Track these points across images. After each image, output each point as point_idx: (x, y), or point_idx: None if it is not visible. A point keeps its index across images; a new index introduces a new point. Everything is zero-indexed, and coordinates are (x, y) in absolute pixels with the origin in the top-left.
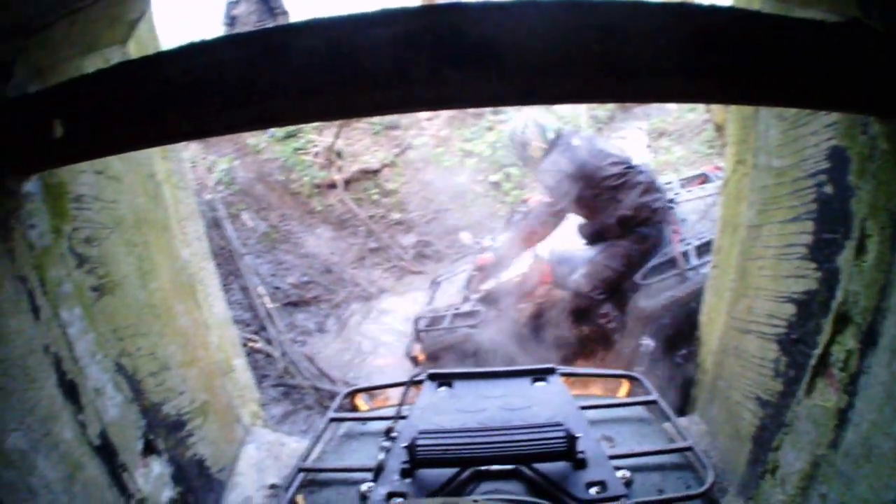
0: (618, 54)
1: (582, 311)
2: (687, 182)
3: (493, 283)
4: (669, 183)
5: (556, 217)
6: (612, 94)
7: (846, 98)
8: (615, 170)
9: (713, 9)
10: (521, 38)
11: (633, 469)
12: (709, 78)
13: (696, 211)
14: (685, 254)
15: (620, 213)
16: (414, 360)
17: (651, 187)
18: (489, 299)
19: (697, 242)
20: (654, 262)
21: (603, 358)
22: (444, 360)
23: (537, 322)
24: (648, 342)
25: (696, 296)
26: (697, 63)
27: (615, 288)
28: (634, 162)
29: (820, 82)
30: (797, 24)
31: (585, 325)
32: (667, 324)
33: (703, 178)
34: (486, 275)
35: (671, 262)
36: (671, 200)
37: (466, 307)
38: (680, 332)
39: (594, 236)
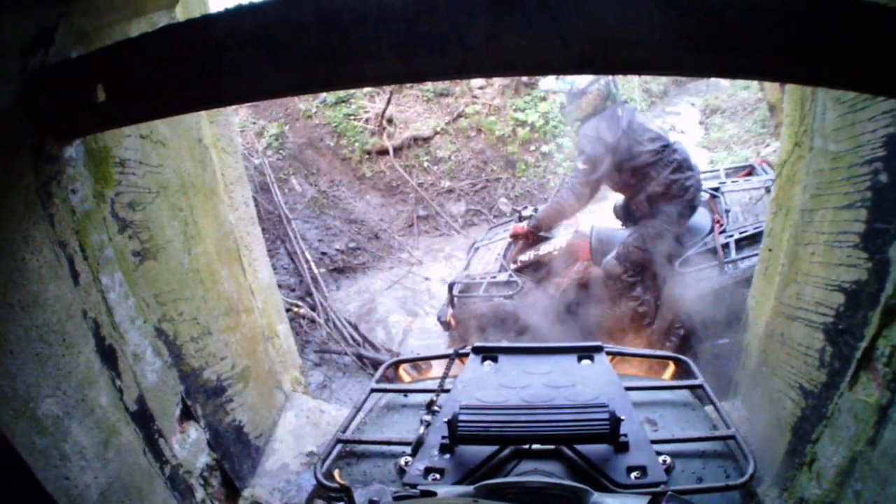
0: (679, 26)
1: (614, 292)
2: (733, 172)
3: (532, 254)
4: (716, 171)
5: (591, 188)
6: (671, 67)
7: None
8: (652, 146)
9: None
10: (583, 4)
11: (673, 455)
12: (770, 55)
13: (740, 203)
14: (726, 245)
15: (651, 190)
16: (446, 325)
17: (684, 165)
18: (526, 271)
19: (739, 235)
20: (693, 250)
21: (634, 341)
22: (475, 327)
23: (572, 298)
24: (681, 330)
25: (733, 288)
26: (760, 40)
27: (646, 268)
28: (671, 140)
29: (882, 67)
30: (861, 6)
31: (618, 306)
32: (701, 313)
33: (750, 170)
34: (524, 245)
35: (711, 253)
36: (716, 189)
37: (503, 277)
38: (713, 322)
39: (627, 217)
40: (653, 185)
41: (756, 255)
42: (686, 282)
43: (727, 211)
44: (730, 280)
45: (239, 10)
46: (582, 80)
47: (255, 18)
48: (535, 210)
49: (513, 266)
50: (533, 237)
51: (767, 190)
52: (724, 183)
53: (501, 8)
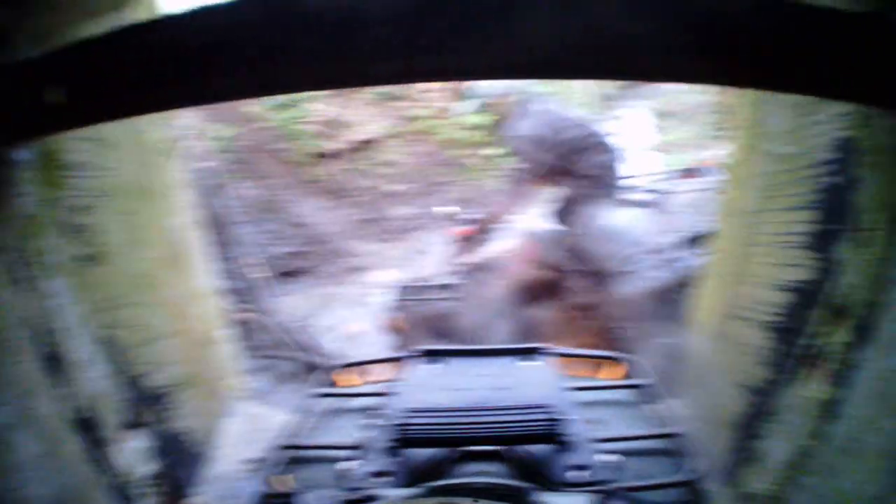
0: (629, 33)
1: (557, 292)
2: (680, 174)
3: (478, 256)
4: (663, 172)
5: (526, 185)
6: (619, 73)
7: (861, 90)
8: (577, 132)
9: None
10: (535, 10)
11: (620, 453)
12: (721, 60)
13: (685, 204)
14: (671, 245)
15: (578, 179)
16: (392, 328)
17: (605, 148)
18: (472, 273)
19: (685, 234)
20: (638, 250)
21: (582, 338)
22: (423, 330)
23: (517, 299)
24: (626, 328)
25: (678, 287)
26: (711, 45)
27: (586, 265)
28: (596, 128)
29: (836, 72)
30: (816, 11)
31: (561, 306)
32: (645, 312)
33: (697, 172)
34: (469, 247)
35: (656, 252)
36: (663, 190)
37: (448, 279)
38: (658, 321)
39: (564, 216)
40: (579, 173)
41: (701, 255)
42: (632, 281)
43: (673, 212)
44: (675, 279)
45: (196, 10)
46: (494, 88)
47: (211, 19)
48: (478, 212)
49: (458, 268)
50: (477, 239)
51: (714, 191)
52: (671, 184)
53: (452, 14)
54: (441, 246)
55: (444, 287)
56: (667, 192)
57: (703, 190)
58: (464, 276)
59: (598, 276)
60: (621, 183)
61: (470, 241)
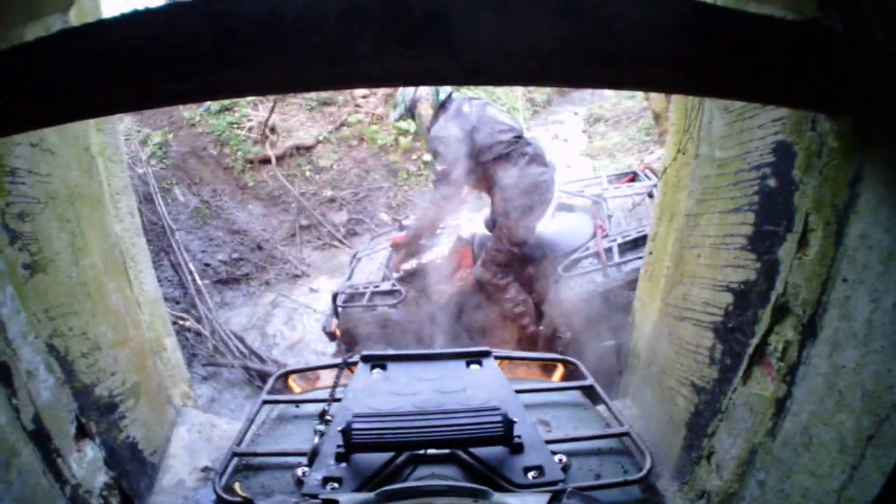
0: (571, 37)
1: (490, 297)
2: (616, 179)
3: (414, 263)
4: (598, 177)
5: (453, 188)
6: (560, 78)
7: (798, 95)
8: (503, 137)
9: None
10: (472, 15)
11: (569, 454)
12: (657, 66)
13: (622, 208)
14: (609, 250)
15: (503, 183)
16: (331, 336)
17: (538, 159)
18: (409, 279)
19: (621, 240)
20: (576, 255)
21: (519, 344)
22: (361, 337)
23: (455, 305)
24: (566, 332)
25: (617, 291)
26: (646, 51)
27: (518, 270)
28: (524, 133)
29: (773, 78)
30: (754, 18)
31: (496, 311)
32: (585, 316)
33: (633, 176)
34: (406, 254)
35: (594, 257)
36: (599, 195)
37: (386, 286)
38: (598, 325)
39: (490, 221)
40: (505, 177)
41: (639, 258)
42: (570, 285)
43: (610, 216)
44: (613, 283)
45: (133, 14)
46: (410, 91)
47: (148, 23)
48: (413, 217)
49: (395, 275)
50: (414, 245)
51: (650, 195)
52: (606, 189)
53: (389, 19)
54: (381, 252)
55: (384, 293)
56: (603, 197)
57: (638, 194)
58: (404, 282)
59: (532, 277)
60: (553, 188)
61: (405, 246)
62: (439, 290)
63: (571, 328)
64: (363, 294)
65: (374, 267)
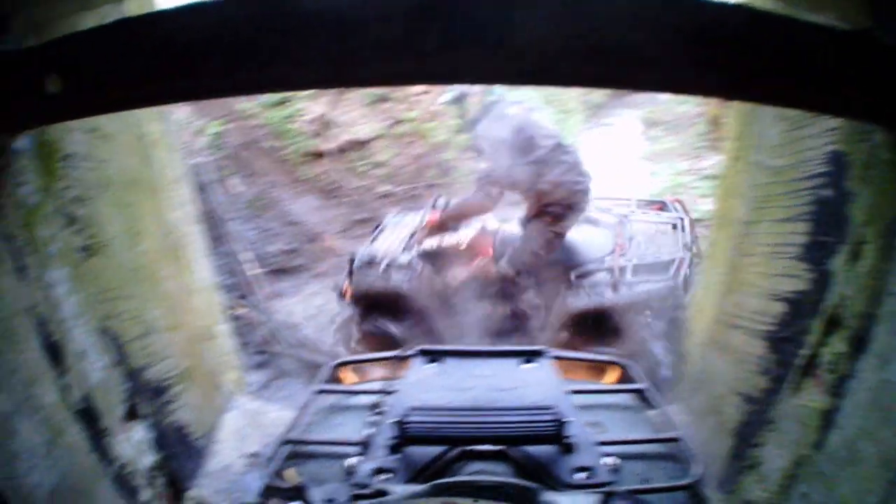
0: (623, 44)
1: (506, 293)
2: (645, 205)
3: (436, 243)
4: (628, 200)
5: (496, 187)
6: (612, 81)
7: (852, 105)
8: (545, 143)
9: (723, 5)
10: (529, 20)
11: (619, 456)
12: (713, 73)
13: (644, 233)
14: (623, 268)
15: (539, 188)
16: (341, 295)
17: (575, 169)
18: (428, 257)
19: (637, 262)
20: (592, 266)
21: (519, 342)
22: (370, 304)
23: (466, 291)
24: (566, 337)
25: (621, 309)
26: (702, 57)
27: (540, 274)
28: (564, 141)
29: (827, 88)
30: (808, 27)
31: (504, 307)
32: (588, 325)
33: (661, 206)
34: (431, 233)
35: (608, 272)
36: (625, 216)
37: (404, 258)
38: (595, 336)
39: (524, 221)
40: (541, 183)
41: (649, 283)
42: (578, 294)
43: (631, 238)
44: (620, 300)
45: (192, 6)
46: (461, 87)
47: (207, 15)
48: (448, 203)
49: (415, 250)
50: (441, 227)
51: (674, 227)
52: (633, 212)
53: (455, 17)
54: (406, 225)
55: (400, 266)
56: (629, 219)
57: (664, 223)
58: (422, 260)
59: (550, 285)
60: (586, 201)
61: (436, 228)
62: (454, 273)
63: (571, 335)
64: (380, 262)
65: (396, 238)
